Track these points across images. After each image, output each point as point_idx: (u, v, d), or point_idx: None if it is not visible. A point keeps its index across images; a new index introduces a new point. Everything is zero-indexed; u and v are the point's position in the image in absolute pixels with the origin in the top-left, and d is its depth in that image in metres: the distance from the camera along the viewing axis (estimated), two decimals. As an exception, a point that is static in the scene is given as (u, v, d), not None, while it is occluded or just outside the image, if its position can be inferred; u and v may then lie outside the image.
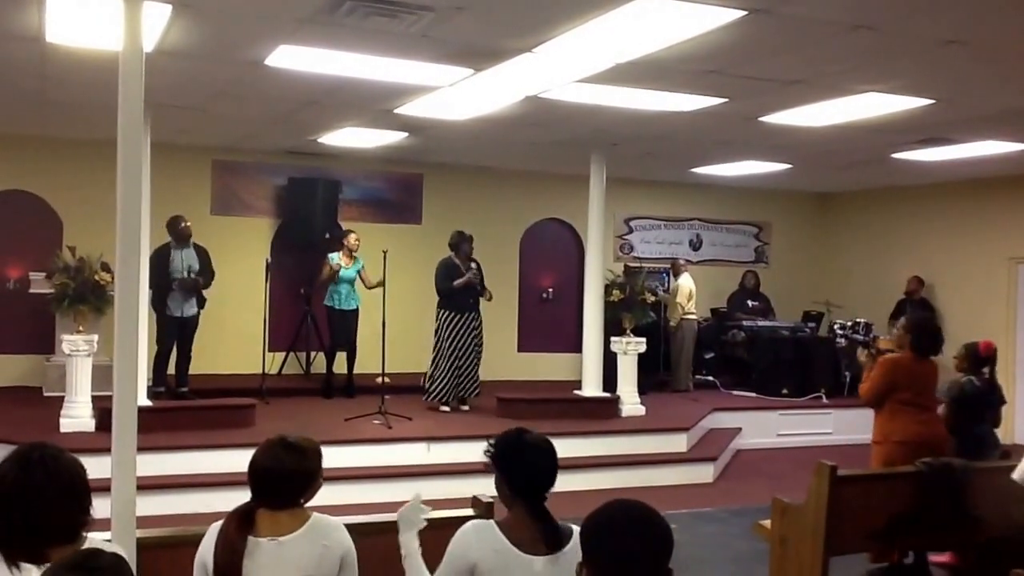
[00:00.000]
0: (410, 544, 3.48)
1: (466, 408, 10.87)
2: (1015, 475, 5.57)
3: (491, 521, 3.37)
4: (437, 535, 3.44)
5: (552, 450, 3.40)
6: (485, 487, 3.72)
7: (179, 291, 10.24)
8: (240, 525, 3.28)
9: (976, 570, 6.55)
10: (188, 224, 10.48)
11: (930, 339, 6.89)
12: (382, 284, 10.49)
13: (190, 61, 7.30)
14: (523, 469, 3.34)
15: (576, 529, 3.30)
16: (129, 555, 2.91)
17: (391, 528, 3.58)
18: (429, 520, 3.54)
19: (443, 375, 10.75)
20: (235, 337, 12.10)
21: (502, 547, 3.25)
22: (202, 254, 10.53)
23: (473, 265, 10.86)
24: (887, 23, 5.84)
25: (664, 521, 2.21)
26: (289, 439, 3.42)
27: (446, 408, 10.78)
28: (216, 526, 3.35)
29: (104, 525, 3.31)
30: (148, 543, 3.83)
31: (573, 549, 3.27)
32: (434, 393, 10.81)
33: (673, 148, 11.29)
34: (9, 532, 2.66)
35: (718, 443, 11.08)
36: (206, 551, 3.30)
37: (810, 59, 6.78)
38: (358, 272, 11.41)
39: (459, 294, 10.72)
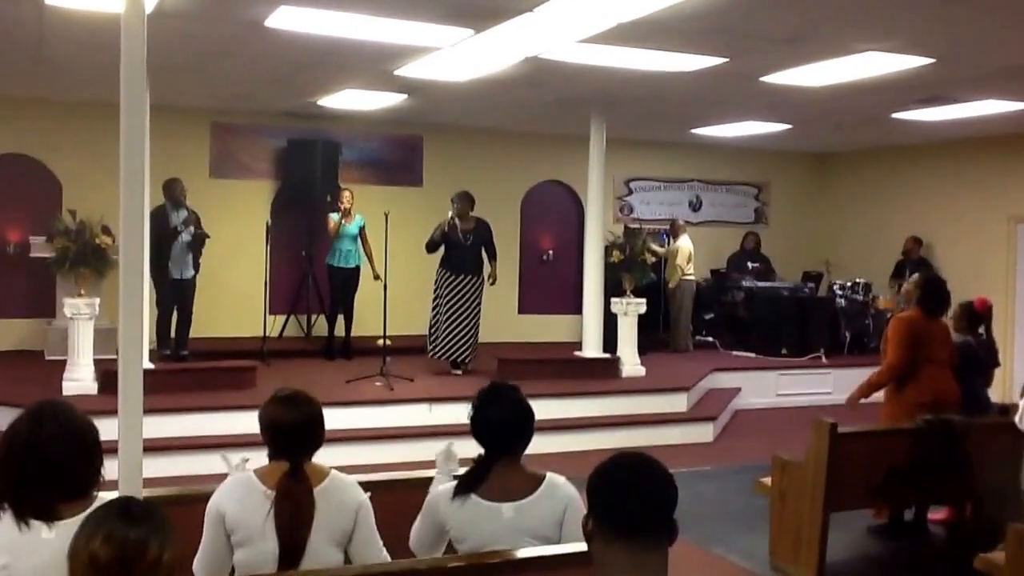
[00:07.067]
0: (436, 486, 3.62)
1: (459, 372, 10.76)
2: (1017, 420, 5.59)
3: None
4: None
5: (517, 405, 3.52)
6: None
7: (182, 244, 10.30)
8: (301, 482, 3.30)
9: (973, 525, 6.62)
10: (184, 187, 10.52)
11: (938, 298, 6.85)
12: (378, 278, 10.72)
13: (190, 22, 7.26)
14: (480, 420, 3.49)
15: (548, 476, 3.43)
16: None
17: (398, 485, 3.64)
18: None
19: (436, 335, 10.71)
20: (236, 300, 12.13)
21: (468, 501, 3.37)
22: (195, 217, 10.53)
23: (457, 225, 10.63)
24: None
25: (668, 473, 2.23)
26: (288, 393, 3.47)
27: (457, 372, 10.73)
28: (235, 479, 3.39)
29: (110, 486, 3.34)
30: (153, 502, 3.87)
31: (542, 495, 3.43)
32: (431, 353, 10.77)
33: (673, 109, 11.25)
34: (20, 488, 2.68)
35: (718, 403, 11.14)
36: (224, 500, 3.33)
37: (810, 17, 6.76)
38: (360, 229, 11.42)
39: (453, 254, 10.65)
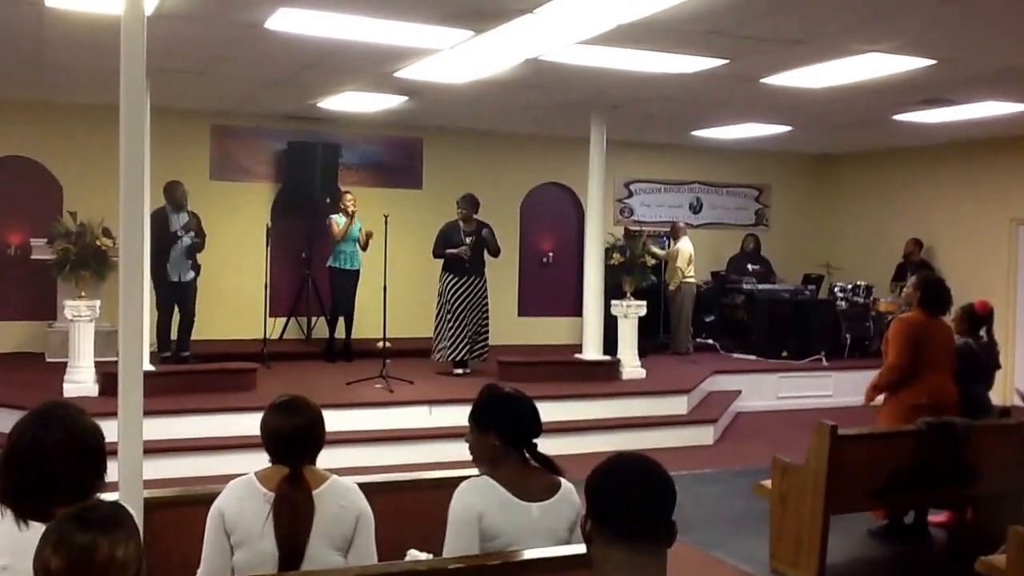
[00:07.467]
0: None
1: (459, 372, 10.75)
2: None
3: (485, 476, 3.44)
4: (441, 495, 3.49)
5: (533, 401, 3.59)
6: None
7: (182, 248, 10.30)
8: (300, 487, 3.30)
9: (973, 528, 6.61)
10: (186, 190, 10.53)
11: (938, 298, 6.81)
12: (370, 235, 10.90)
13: (190, 24, 7.26)
14: (516, 418, 3.51)
15: (563, 480, 3.44)
16: (136, 515, 2.93)
17: (397, 488, 3.62)
18: (436, 480, 3.64)
19: (443, 337, 10.74)
20: (236, 302, 12.12)
21: (504, 498, 3.37)
22: (195, 219, 10.54)
23: (466, 240, 10.68)
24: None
25: (667, 474, 2.22)
26: (286, 400, 3.47)
27: (459, 372, 10.75)
28: (237, 483, 3.38)
29: (112, 487, 3.34)
30: (154, 504, 3.88)
31: (563, 496, 3.46)
32: (439, 355, 10.80)
33: (674, 110, 11.25)
34: (22, 488, 2.67)
35: (718, 405, 11.13)
36: (225, 501, 3.33)
37: (810, 18, 6.75)
38: (359, 231, 11.43)
39: (456, 257, 10.68)
